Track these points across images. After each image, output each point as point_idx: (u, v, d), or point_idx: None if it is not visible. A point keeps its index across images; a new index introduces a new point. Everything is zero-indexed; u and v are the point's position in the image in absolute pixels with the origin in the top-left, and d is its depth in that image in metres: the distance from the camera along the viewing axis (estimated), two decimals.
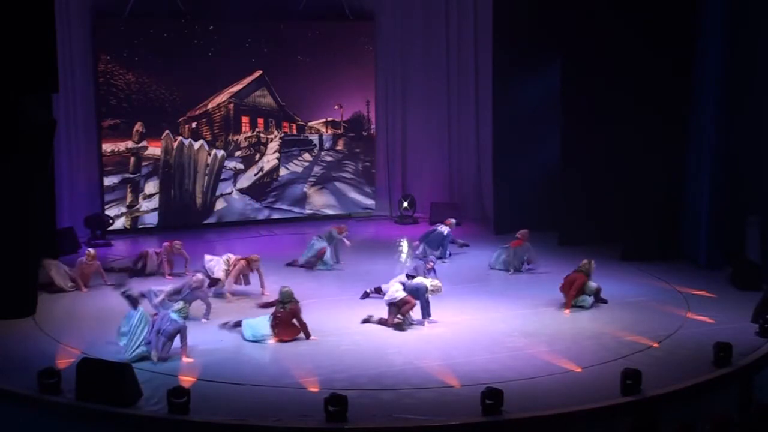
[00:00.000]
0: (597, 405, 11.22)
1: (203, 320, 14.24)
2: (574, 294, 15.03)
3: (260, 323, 13.60)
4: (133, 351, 12.64)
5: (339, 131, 22.49)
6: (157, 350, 12.59)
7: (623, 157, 18.35)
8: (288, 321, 13.52)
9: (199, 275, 14.84)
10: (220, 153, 21.43)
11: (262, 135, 21.81)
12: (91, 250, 16.60)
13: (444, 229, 18.38)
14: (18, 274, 14.47)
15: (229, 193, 21.71)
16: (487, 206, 21.72)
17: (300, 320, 13.56)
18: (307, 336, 13.55)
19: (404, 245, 19.93)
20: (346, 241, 18.14)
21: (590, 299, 15.17)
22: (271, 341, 13.43)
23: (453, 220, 18.86)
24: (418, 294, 14.27)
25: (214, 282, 15.77)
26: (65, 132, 19.56)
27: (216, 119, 21.40)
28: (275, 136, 21.94)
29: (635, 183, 18.28)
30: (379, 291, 15.44)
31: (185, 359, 12.60)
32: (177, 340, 12.69)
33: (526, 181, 20.14)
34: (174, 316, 12.71)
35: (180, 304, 13.02)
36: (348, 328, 13.99)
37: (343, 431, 10.57)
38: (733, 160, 17.08)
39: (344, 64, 22.13)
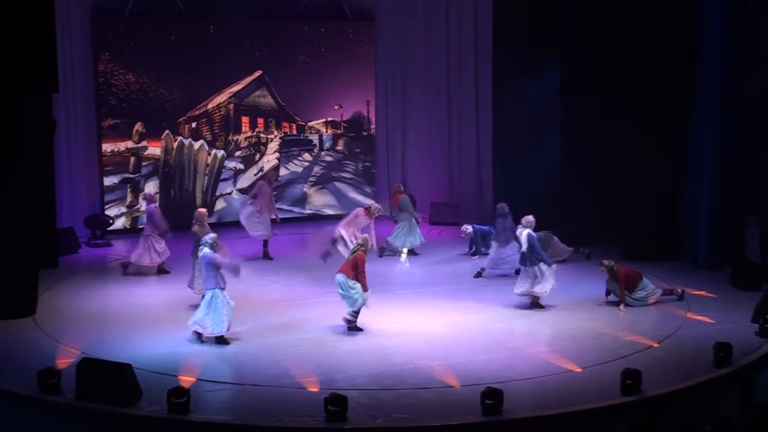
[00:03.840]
0: (597, 405, 11.19)
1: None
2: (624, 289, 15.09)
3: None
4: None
5: (339, 131, 22.48)
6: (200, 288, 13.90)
7: (623, 157, 18.34)
8: (351, 265, 13.77)
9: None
10: (220, 153, 21.43)
11: (262, 135, 21.81)
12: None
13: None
14: (18, 274, 14.47)
15: (229, 193, 21.71)
16: (487, 207, 21.70)
17: (360, 270, 13.69)
18: (364, 288, 13.70)
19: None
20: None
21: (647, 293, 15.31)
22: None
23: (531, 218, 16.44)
24: None
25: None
26: (65, 132, 19.55)
27: (216, 119, 21.40)
28: (275, 136, 21.94)
29: (635, 183, 18.28)
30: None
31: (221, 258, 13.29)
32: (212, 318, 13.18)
33: (526, 181, 20.11)
34: (206, 249, 13.37)
35: (212, 237, 13.62)
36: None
37: (343, 431, 10.57)
38: (733, 160, 17.06)
39: (344, 64, 22.13)
